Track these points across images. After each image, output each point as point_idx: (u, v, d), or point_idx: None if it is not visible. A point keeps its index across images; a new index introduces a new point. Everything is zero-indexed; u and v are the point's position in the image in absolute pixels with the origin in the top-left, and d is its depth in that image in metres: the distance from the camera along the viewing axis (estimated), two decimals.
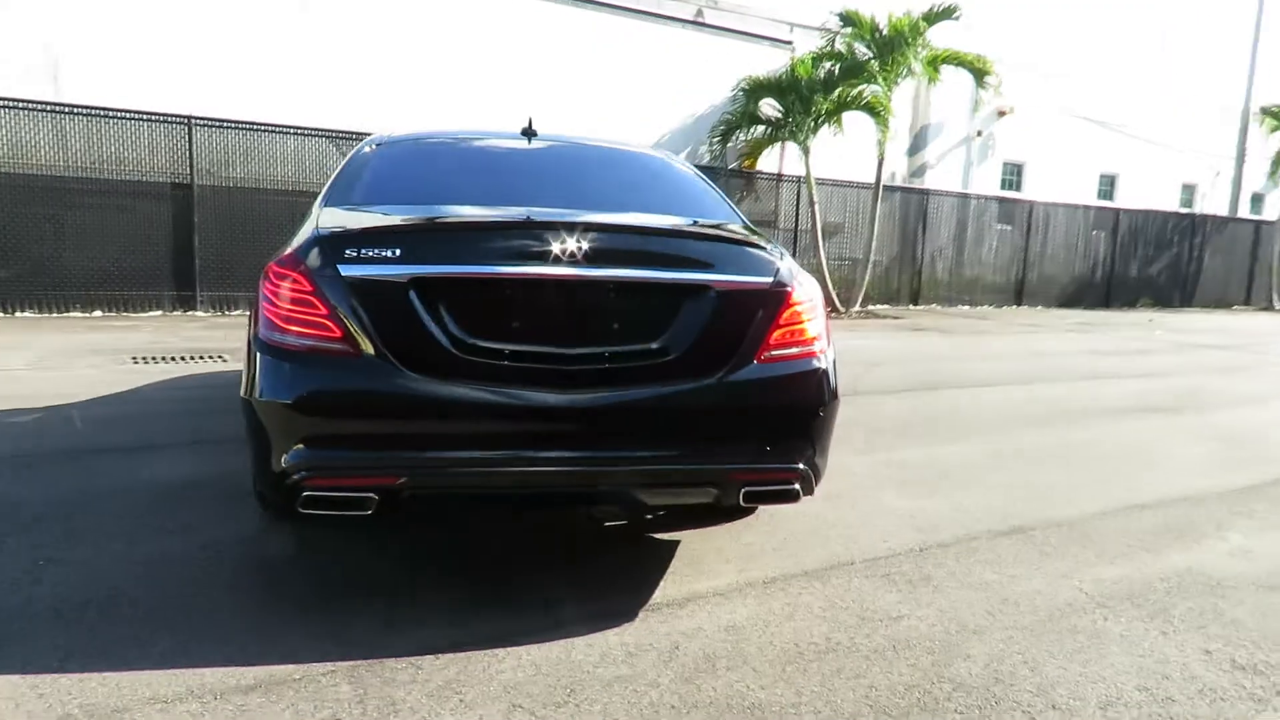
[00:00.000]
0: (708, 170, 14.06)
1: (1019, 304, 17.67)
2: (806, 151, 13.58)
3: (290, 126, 10.63)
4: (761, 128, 13.89)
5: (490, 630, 2.57)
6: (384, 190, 3.25)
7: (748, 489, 2.71)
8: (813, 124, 13.15)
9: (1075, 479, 4.55)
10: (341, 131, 10.73)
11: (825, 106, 13.16)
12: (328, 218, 2.84)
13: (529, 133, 3.81)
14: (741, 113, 13.63)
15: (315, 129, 10.75)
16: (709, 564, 3.18)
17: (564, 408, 2.54)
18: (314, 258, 2.54)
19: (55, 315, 9.43)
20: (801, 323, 2.83)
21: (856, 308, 14.31)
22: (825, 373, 2.85)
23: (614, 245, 2.66)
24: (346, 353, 2.48)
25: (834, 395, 2.88)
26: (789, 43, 14.91)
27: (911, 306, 16.05)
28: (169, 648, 2.38)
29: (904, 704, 2.29)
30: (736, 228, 3.23)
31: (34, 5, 9.64)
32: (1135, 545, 3.57)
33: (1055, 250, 18.21)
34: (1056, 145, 19.09)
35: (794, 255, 14.59)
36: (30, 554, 2.98)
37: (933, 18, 13.11)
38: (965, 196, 17.10)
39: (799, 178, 14.26)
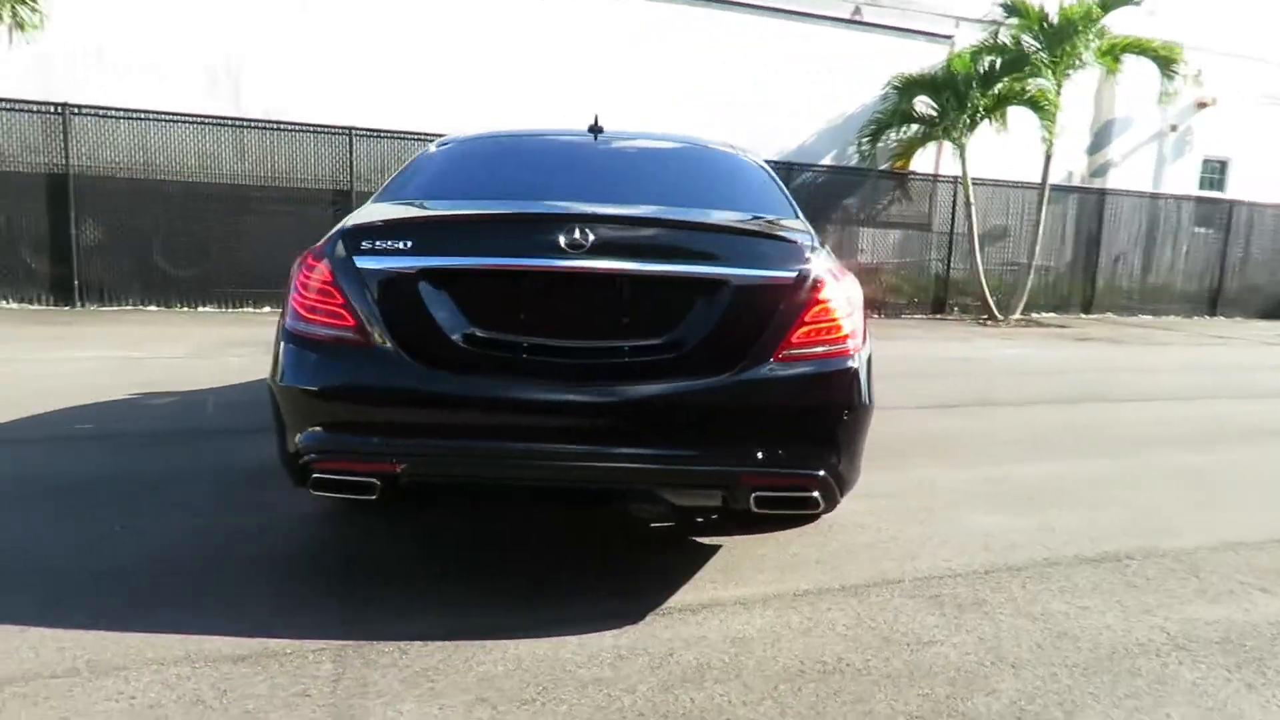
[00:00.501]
0: (856, 171, 13.62)
1: (1213, 314, 15.97)
2: (962, 150, 12.87)
3: (435, 135, 11.19)
4: (914, 126, 13.29)
5: (490, 623, 2.56)
6: (433, 186, 3.33)
7: (759, 494, 2.57)
8: (968, 121, 12.44)
9: (1202, 506, 4.04)
10: None
11: (984, 102, 12.43)
12: (366, 212, 2.94)
13: (595, 129, 3.80)
14: (893, 111, 13.09)
15: None
16: (743, 571, 3.04)
17: (565, 403, 2.51)
18: (336, 249, 2.63)
19: (230, 310, 10.36)
20: (830, 320, 2.65)
21: (1017, 315, 13.39)
22: (855, 374, 2.66)
23: (626, 238, 2.59)
24: (359, 342, 2.55)
25: (865, 399, 2.69)
26: (949, 37, 14.19)
27: (1083, 315, 14.84)
28: (189, 617, 2.52)
29: None
30: (789, 222, 3.09)
31: (216, 23, 10.61)
32: (1250, 584, 3.11)
33: (1262, 255, 16.34)
34: (1269, 140, 17.10)
35: (948, 260, 14.11)
36: (108, 523, 3.26)
37: (1109, 4, 12.11)
38: (1153, 197, 15.64)
39: (956, 178, 13.53)
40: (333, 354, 2.57)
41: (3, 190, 9.73)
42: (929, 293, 14.22)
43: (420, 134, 10.95)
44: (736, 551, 3.21)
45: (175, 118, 10.13)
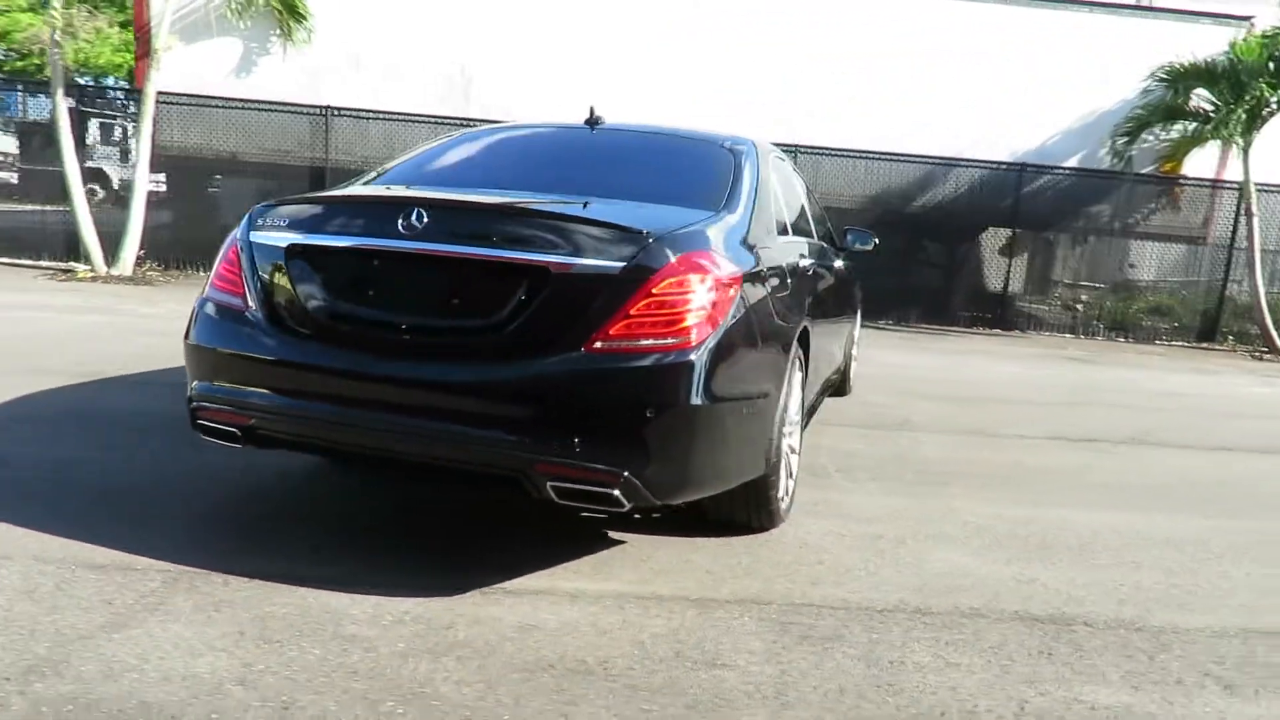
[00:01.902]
0: (1106, 174, 12.13)
1: None
2: (1244, 151, 10.99)
3: None
4: (1186, 124, 11.54)
5: (324, 574, 2.73)
6: (405, 173, 3.58)
7: (555, 484, 2.51)
8: (1243, 116, 10.58)
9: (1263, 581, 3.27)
10: None
11: (1274, 96, 10.53)
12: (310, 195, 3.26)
13: (591, 122, 3.85)
14: (1157, 106, 11.47)
15: None
16: (617, 568, 2.97)
17: (388, 376, 2.63)
18: (244, 225, 2.96)
19: None
20: (661, 315, 2.54)
21: None
22: (680, 373, 2.52)
23: (460, 223, 2.66)
24: (239, 309, 2.86)
25: (696, 400, 2.54)
26: (1247, 19, 12.12)
27: None
28: (120, 532, 2.96)
29: None
30: (687, 216, 2.96)
31: (450, 36, 11.77)
32: (1213, 677, 2.51)
33: None
34: None
35: (1225, 279, 12.07)
36: (135, 454, 3.89)
37: None
38: None
39: (1237, 184, 11.58)
40: (221, 317, 2.90)
41: (283, 178, 11.54)
42: (1197, 316, 12.33)
43: None
44: (632, 548, 3.15)
45: (414, 118, 11.39)
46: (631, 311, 2.53)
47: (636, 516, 3.35)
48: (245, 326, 2.82)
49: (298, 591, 2.63)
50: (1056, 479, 4.57)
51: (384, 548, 3.05)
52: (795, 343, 3.32)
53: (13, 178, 17.42)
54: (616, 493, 2.49)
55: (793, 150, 11.52)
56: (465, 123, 11.39)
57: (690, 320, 2.56)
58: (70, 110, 10.59)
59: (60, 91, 10.33)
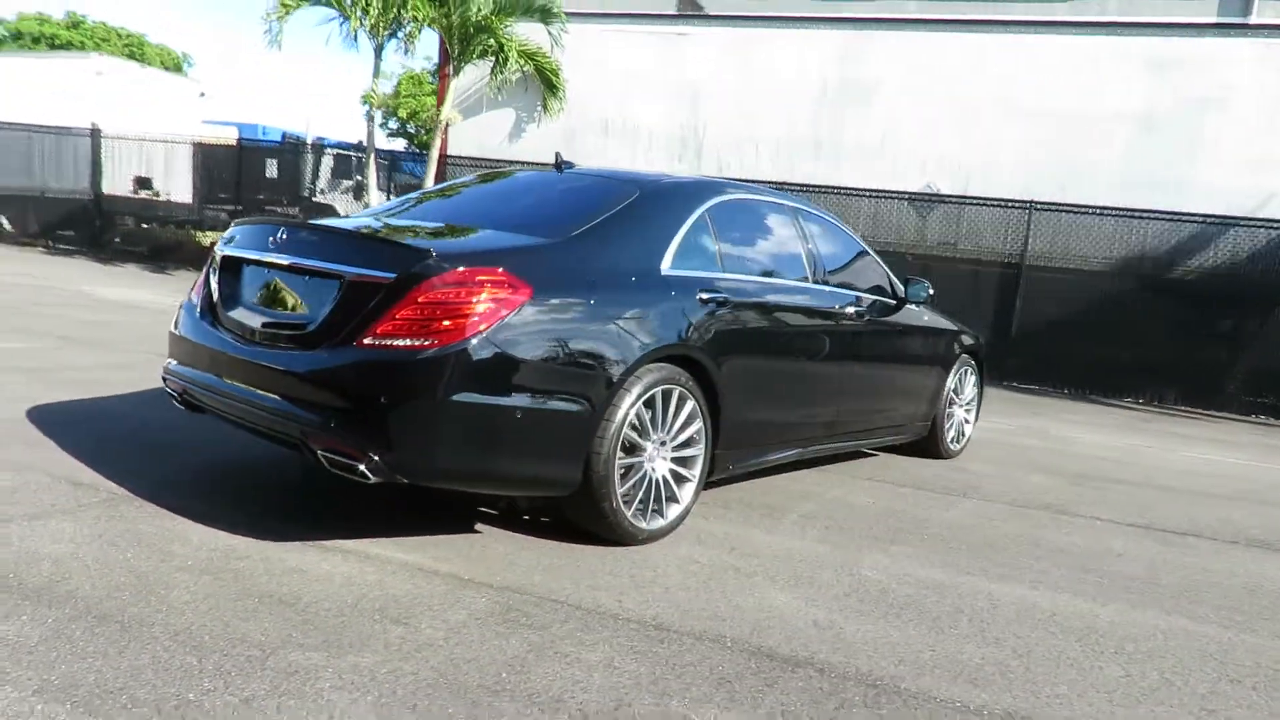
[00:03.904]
0: None
1: None
2: None
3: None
4: None
5: (206, 510, 3.48)
6: (397, 206, 4.35)
7: (323, 453, 3.01)
8: None
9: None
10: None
11: None
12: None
13: (557, 166, 4.34)
14: None
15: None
16: (438, 546, 3.37)
17: (239, 359, 3.32)
18: (221, 238, 3.86)
19: None
20: (421, 318, 2.97)
21: None
22: (429, 369, 2.92)
23: (301, 239, 3.31)
24: (192, 304, 3.74)
25: (426, 394, 2.93)
26: None
27: None
28: (108, 461, 3.99)
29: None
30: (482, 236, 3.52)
31: (682, 102, 12.60)
32: None
33: None
34: None
35: None
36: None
37: None
38: None
39: None
40: (184, 311, 3.80)
41: None
42: None
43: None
44: (486, 540, 3.52)
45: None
46: (398, 315, 2.98)
47: (525, 517, 3.72)
48: (189, 317, 3.69)
49: (169, 518, 3.37)
50: (1033, 552, 4.07)
51: (267, 499, 3.74)
52: (653, 365, 3.47)
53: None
54: (362, 468, 2.94)
55: (1026, 206, 10.81)
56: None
57: (447, 324, 2.95)
58: (379, 169, 13.05)
59: (372, 155, 12.79)
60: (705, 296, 3.80)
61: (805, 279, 4.61)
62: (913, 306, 5.54)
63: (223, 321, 3.51)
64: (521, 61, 12.13)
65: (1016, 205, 11.15)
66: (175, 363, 3.71)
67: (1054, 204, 11.02)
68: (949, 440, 6.06)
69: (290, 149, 19.67)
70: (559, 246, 3.42)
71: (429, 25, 11.88)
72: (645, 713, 2.34)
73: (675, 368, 3.63)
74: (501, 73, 12.10)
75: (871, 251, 5.50)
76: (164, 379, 3.78)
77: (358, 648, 2.53)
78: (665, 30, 12.73)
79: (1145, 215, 10.77)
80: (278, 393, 3.17)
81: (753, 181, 11.79)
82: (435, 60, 14.99)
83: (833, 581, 3.47)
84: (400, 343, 2.97)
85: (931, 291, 5.45)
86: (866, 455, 5.91)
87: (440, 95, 13.59)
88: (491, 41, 11.84)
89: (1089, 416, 9.50)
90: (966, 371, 6.20)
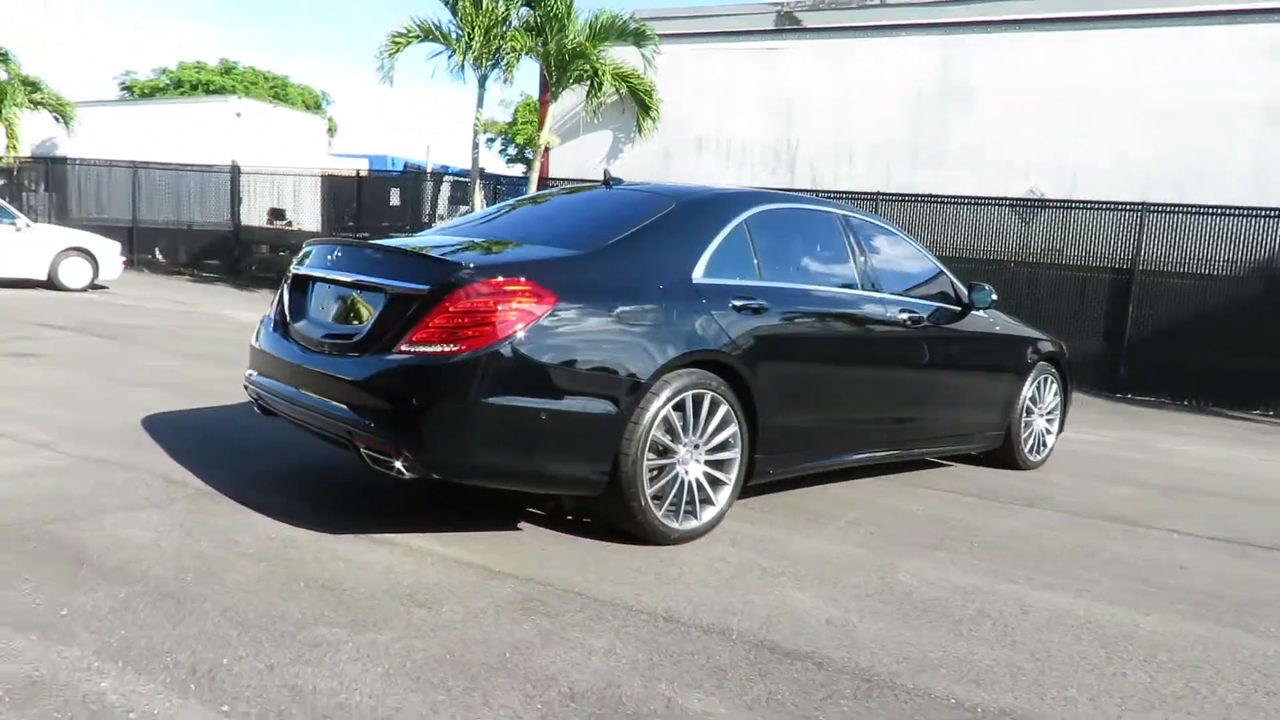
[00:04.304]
0: None
1: None
2: None
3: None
4: None
5: (277, 505, 3.83)
6: (466, 222, 4.66)
7: (366, 452, 3.29)
8: None
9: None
10: None
11: None
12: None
13: (606, 182, 4.55)
14: None
15: None
16: (473, 540, 3.60)
17: (302, 367, 3.64)
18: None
19: None
20: (451, 326, 3.21)
21: None
22: (455, 373, 3.16)
23: (353, 257, 3.62)
24: (269, 318, 4.12)
25: (453, 396, 3.17)
26: None
27: None
28: (241, 474, 4.41)
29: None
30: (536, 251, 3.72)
31: (777, 119, 12.62)
32: None
33: None
34: None
35: None
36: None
37: None
38: None
39: None
40: (264, 324, 4.18)
41: None
42: None
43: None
44: (521, 537, 3.73)
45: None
46: (431, 323, 3.23)
47: (569, 517, 3.91)
48: (266, 330, 4.07)
49: (247, 514, 3.74)
50: (1087, 563, 3.94)
51: (330, 497, 4.05)
52: (683, 370, 3.60)
53: None
54: (398, 465, 3.19)
55: (1138, 208, 10.31)
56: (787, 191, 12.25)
57: (474, 332, 3.18)
58: (486, 192, 13.66)
59: (477, 181, 13.40)
60: (739, 304, 3.91)
61: (853, 286, 4.63)
62: (980, 313, 5.44)
63: (291, 334, 3.86)
64: (616, 84, 12.48)
65: (1128, 208, 10.64)
66: (255, 373, 4.09)
67: (1170, 205, 10.45)
68: (1026, 450, 5.89)
69: (410, 177, 20.74)
70: (586, 258, 3.61)
71: (526, 54, 12.40)
72: (632, 693, 2.47)
73: (706, 373, 3.74)
74: (597, 96, 12.49)
75: (934, 259, 5.44)
76: (245, 387, 4.17)
77: (380, 626, 2.77)
78: (758, 45, 12.83)
79: (1273, 214, 10.07)
80: (330, 397, 3.47)
81: (846, 192, 11.73)
82: (528, 89, 15.57)
83: (859, 584, 3.49)
84: (433, 349, 3.22)
85: (995, 296, 5.33)
86: (936, 465, 5.81)
87: (540, 120, 14.11)
88: (586, 67, 12.24)
89: (1205, 429, 8.95)
90: (1046, 379, 6.01)
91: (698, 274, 3.87)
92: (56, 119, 20.19)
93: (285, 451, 4.80)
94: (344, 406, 3.40)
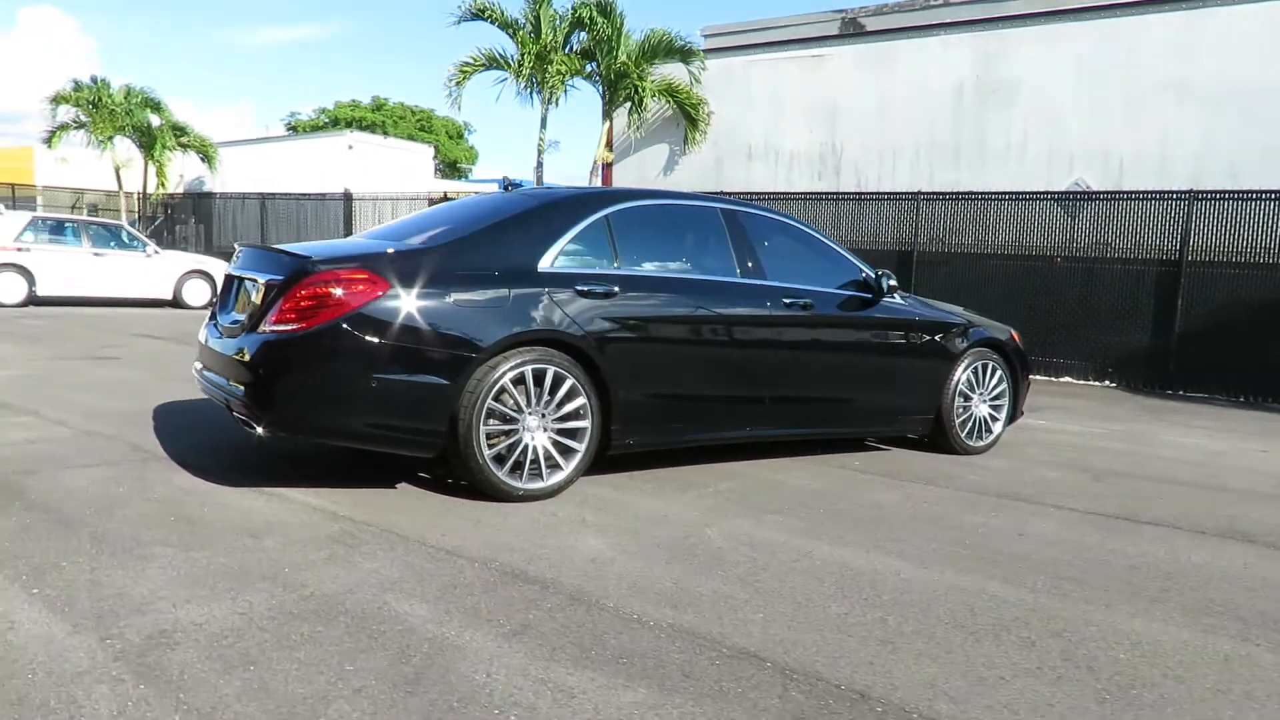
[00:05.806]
0: None
1: None
2: None
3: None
4: None
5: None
6: (377, 231, 5.33)
7: (238, 416, 3.99)
8: None
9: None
10: None
11: None
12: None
13: (506, 186, 5.12)
14: None
15: None
16: (351, 496, 4.22)
17: (214, 351, 4.38)
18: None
19: None
20: (295, 308, 3.87)
21: None
22: (283, 346, 3.86)
23: (253, 256, 4.34)
24: (210, 315, 4.92)
25: (288, 365, 3.84)
26: None
27: None
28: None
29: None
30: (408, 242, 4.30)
31: (821, 124, 12.76)
32: None
33: None
34: None
35: None
36: None
37: None
38: None
39: None
40: (206, 320, 4.98)
41: None
42: None
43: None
44: (404, 494, 4.33)
45: (791, 195, 12.74)
46: (284, 307, 3.89)
47: (449, 481, 4.49)
48: (206, 325, 4.86)
49: (175, 471, 4.51)
50: (926, 531, 4.13)
51: (251, 459, 4.77)
52: (523, 348, 4.11)
53: None
54: (259, 428, 3.88)
55: (1185, 196, 9.93)
56: (824, 196, 12.40)
57: (314, 313, 3.81)
58: None
59: None
60: (584, 289, 4.37)
61: (732, 273, 4.98)
62: (897, 300, 5.64)
63: (217, 324, 4.63)
64: (664, 99, 13.04)
65: (1176, 196, 10.21)
66: (198, 363, 4.90)
67: (1217, 191, 9.97)
68: (964, 435, 5.99)
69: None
70: (429, 249, 4.19)
71: (575, 76, 13.18)
72: (361, 598, 3.00)
73: (549, 350, 4.23)
74: (641, 112, 13.08)
75: (845, 251, 5.68)
76: (195, 376, 4.99)
77: (203, 548, 3.42)
78: (802, 55, 13.06)
79: None
80: (223, 374, 4.20)
81: (889, 193, 11.77)
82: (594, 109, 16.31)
83: (661, 536, 3.86)
84: (285, 328, 3.88)
85: (894, 282, 5.51)
86: (872, 447, 6.00)
87: (609, 138, 14.84)
88: (633, 86, 12.87)
89: (1234, 424, 8.48)
90: (987, 365, 6.08)
91: (544, 264, 4.37)
92: (202, 159, 22.71)
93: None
94: (226, 379, 4.12)
